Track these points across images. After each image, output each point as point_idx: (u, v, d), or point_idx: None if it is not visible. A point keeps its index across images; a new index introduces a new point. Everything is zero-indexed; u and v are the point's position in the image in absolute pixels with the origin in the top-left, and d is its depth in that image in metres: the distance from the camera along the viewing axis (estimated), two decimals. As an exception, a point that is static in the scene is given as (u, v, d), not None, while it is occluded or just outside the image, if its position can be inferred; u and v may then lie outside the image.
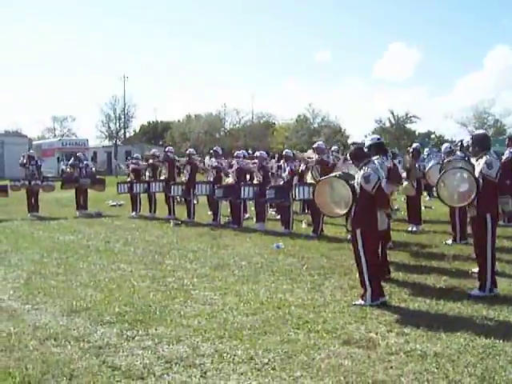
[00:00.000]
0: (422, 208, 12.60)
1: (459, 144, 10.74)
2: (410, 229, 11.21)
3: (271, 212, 14.50)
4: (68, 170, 16.94)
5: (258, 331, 5.09)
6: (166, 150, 15.46)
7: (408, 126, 59.18)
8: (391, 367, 4.27)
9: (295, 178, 11.53)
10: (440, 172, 7.14)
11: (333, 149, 13.11)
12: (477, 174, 6.17)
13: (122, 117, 60.59)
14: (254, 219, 12.62)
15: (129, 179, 15.74)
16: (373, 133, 52.18)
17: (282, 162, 12.45)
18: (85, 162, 16.42)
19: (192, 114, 67.71)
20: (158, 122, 74.11)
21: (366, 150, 6.69)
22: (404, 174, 10.53)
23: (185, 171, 14.20)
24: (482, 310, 5.64)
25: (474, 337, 4.85)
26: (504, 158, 10.89)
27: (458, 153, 9.87)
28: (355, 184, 6.04)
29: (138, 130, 71.63)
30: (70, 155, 18.37)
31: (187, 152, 14.53)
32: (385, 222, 6.35)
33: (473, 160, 6.62)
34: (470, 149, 6.54)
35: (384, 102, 68.42)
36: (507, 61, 79.70)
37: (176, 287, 6.80)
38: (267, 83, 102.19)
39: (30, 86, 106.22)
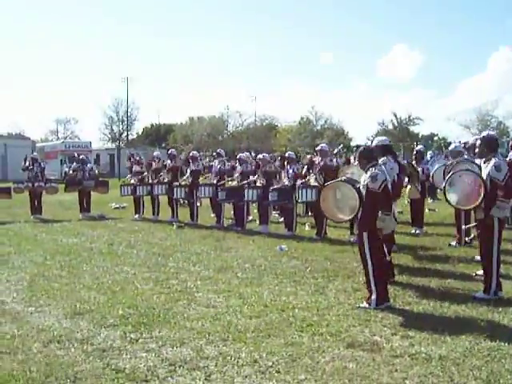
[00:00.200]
0: (426, 211, 12.59)
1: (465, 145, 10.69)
2: (413, 232, 11.18)
3: (274, 214, 14.48)
4: (71, 172, 16.95)
5: (262, 334, 5.08)
6: (169, 152, 15.50)
7: (411, 128, 59.16)
8: (396, 370, 4.26)
9: (298, 180, 11.52)
10: (446, 174, 7.12)
11: (335, 151, 13.10)
12: (484, 176, 6.13)
13: (125, 119, 60.66)
14: (258, 221, 12.62)
15: (132, 181, 15.73)
16: (376, 135, 52.20)
17: (285, 164, 12.46)
18: (88, 165, 16.44)
19: (195, 117, 67.85)
20: (161, 125, 74.24)
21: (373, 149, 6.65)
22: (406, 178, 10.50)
23: (186, 173, 14.18)
24: (487, 313, 5.62)
25: (479, 340, 4.83)
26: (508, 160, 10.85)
27: (465, 155, 9.82)
28: (361, 187, 6.02)
29: (140, 133, 71.74)
30: (73, 157, 18.30)
31: (190, 155, 14.54)
32: (391, 224, 6.32)
33: (478, 161, 6.60)
34: (477, 150, 6.47)
35: (387, 104, 68.64)
36: (511, 63, 79.65)
37: (179, 290, 6.79)
38: (270, 85, 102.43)
39: (32, 88, 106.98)
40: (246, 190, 12.04)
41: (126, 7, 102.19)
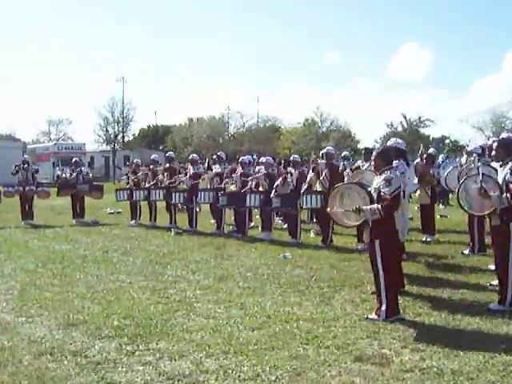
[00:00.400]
0: (437, 217, 12.58)
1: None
2: (424, 239, 11.18)
3: (278, 221, 14.49)
4: (64, 175, 17.00)
5: (265, 346, 5.08)
6: (167, 155, 15.54)
7: (421, 130, 59.25)
8: (406, 385, 4.25)
9: (303, 186, 11.53)
10: (459, 178, 7.11)
11: (343, 155, 13.11)
12: (500, 180, 6.11)
13: (121, 120, 60.78)
14: (260, 228, 12.62)
15: (128, 186, 15.77)
16: (384, 137, 52.27)
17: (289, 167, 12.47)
18: (82, 168, 16.47)
19: (194, 118, 68.06)
20: (159, 126, 74.48)
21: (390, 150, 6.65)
22: (415, 181, 10.48)
23: (186, 177, 14.21)
24: (502, 326, 5.61)
25: (493, 354, 4.82)
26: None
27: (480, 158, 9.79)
28: (372, 190, 6.01)
29: (137, 134, 71.93)
30: (66, 160, 18.36)
31: (190, 158, 14.57)
32: (405, 233, 6.32)
33: (494, 164, 6.59)
34: (493, 153, 6.45)
35: (396, 105, 68.80)
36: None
37: (178, 299, 6.80)
38: (273, 85, 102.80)
39: (24, 88, 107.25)
40: (247, 195, 12.05)
41: (124, 6, 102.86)
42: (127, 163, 17.56)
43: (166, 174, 14.68)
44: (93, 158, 50.59)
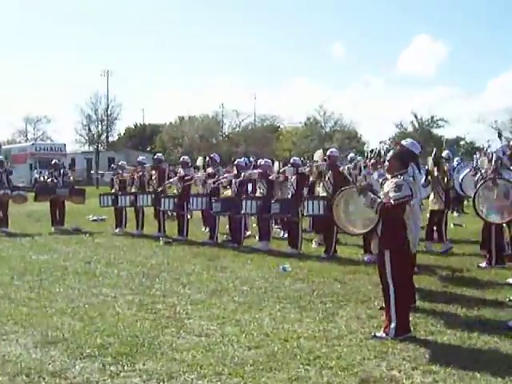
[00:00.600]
0: (451, 226, 12.61)
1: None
2: (436, 250, 11.20)
3: (276, 229, 14.51)
4: (42, 178, 16.98)
5: (262, 367, 5.08)
6: (155, 157, 15.54)
7: (434, 131, 59.40)
8: (417, 411, 4.26)
9: (305, 191, 11.55)
10: (476, 183, 7.13)
11: (349, 157, 13.11)
12: None
13: (105, 118, 60.87)
14: (257, 237, 12.63)
15: (113, 190, 15.76)
16: (393, 138, 52.34)
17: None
18: (62, 170, 16.45)
19: (185, 116, 68.14)
20: (146, 125, 74.54)
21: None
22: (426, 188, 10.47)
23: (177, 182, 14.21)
24: (523, 345, 5.63)
25: (513, 376, 4.83)
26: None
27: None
28: (381, 195, 6.01)
29: (122, 134, 72.00)
30: (45, 162, 18.37)
31: (180, 160, 14.56)
32: (416, 244, 6.32)
33: None
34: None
35: (406, 104, 68.96)
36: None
37: (167, 315, 6.79)
38: (271, 81, 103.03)
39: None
40: (243, 201, 12.05)
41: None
42: (113, 166, 17.49)
43: (153, 176, 14.66)
44: (74, 159, 50.58)
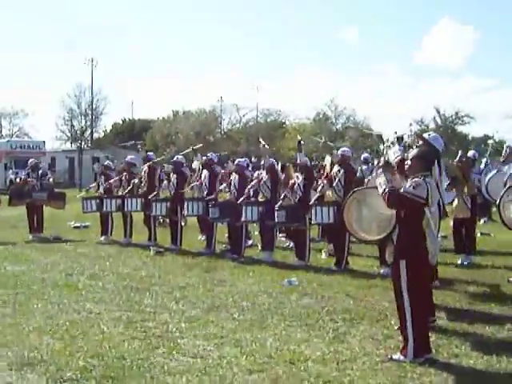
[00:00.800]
0: (478, 235, 12.59)
1: None
2: (460, 262, 11.20)
3: (280, 238, 14.50)
4: (18, 180, 16.99)
5: (265, 393, 5.09)
6: (147, 155, 15.55)
7: (459, 128, 59.43)
8: None
9: (312, 195, 11.52)
10: (505, 187, 7.12)
11: (363, 157, 13.13)
12: None
13: (89, 113, 61.01)
14: (259, 247, 12.63)
15: (98, 194, 15.76)
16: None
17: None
18: (40, 171, 16.46)
19: (179, 111, 68.26)
20: (136, 120, 74.68)
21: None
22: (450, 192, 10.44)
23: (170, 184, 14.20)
24: (558, 370, 5.63)
25: (547, 404, 4.83)
26: None
27: None
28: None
29: (109, 130, 72.20)
30: (21, 161, 18.40)
31: (173, 160, 14.55)
32: (435, 255, 6.31)
33: None
34: None
35: (427, 98, 68.89)
36: None
37: (158, 334, 6.79)
38: (276, 72, 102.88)
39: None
40: (244, 207, 12.05)
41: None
42: (96, 165, 17.50)
43: (143, 178, 14.67)
44: (54, 158, 50.75)
